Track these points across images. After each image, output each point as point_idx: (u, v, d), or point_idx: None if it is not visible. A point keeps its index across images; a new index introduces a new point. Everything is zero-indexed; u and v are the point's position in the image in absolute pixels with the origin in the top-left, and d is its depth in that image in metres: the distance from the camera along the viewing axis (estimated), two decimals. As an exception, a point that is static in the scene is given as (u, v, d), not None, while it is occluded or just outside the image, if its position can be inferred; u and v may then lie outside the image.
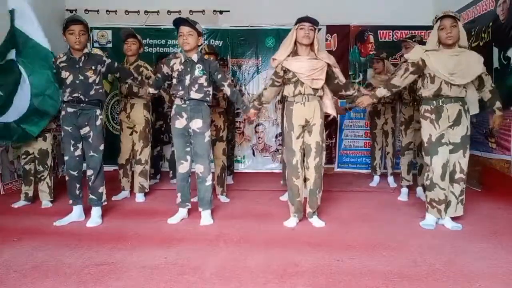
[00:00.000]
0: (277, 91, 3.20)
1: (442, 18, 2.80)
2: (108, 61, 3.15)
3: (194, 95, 3.02)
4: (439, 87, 2.86)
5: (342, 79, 3.09)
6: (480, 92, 2.96)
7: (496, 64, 4.22)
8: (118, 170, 3.97)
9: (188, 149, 3.14)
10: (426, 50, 2.87)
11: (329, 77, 3.00)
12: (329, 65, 2.97)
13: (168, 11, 5.69)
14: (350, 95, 3.16)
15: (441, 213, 2.94)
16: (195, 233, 2.86)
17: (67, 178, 3.10)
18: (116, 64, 3.20)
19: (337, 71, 3.06)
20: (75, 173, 3.06)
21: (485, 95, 2.96)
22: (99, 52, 3.14)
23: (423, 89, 2.95)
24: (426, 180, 2.98)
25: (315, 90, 2.95)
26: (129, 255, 2.42)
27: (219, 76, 3.08)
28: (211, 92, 3.11)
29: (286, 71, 2.96)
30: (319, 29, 2.94)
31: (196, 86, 3.02)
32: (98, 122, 3.04)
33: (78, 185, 3.09)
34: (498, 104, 2.93)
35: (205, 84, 3.05)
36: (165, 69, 3.14)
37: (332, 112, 3.12)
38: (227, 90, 3.12)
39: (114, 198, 3.83)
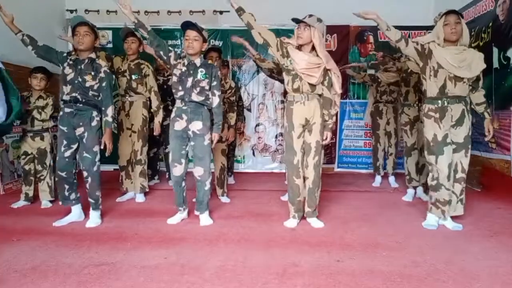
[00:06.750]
0: (264, 36, 2.92)
1: (447, 14, 2.84)
2: (102, 75, 3.02)
3: (195, 97, 3.03)
4: (444, 84, 2.86)
5: (337, 89, 3.04)
6: (474, 92, 2.99)
7: (496, 64, 4.22)
8: (120, 172, 3.96)
9: (184, 152, 3.11)
10: (432, 41, 2.90)
11: (327, 80, 2.99)
12: (328, 69, 2.96)
13: (168, 11, 5.70)
14: (327, 120, 3.03)
15: (445, 214, 2.94)
16: (195, 233, 2.86)
17: (56, 178, 3.09)
18: (105, 83, 3.03)
19: (335, 79, 3.01)
20: (63, 174, 3.02)
21: (479, 98, 3.00)
22: (103, 63, 3.09)
23: (426, 83, 2.94)
24: (432, 181, 2.96)
25: (313, 86, 2.95)
26: (129, 255, 2.42)
27: (215, 83, 3.09)
28: (211, 96, 3.11)
29: (286, 54, 2.94)
30: (316, 27, 2.90)
31: (198, 88, 3.03)
32: (94, 123, 3.02)
33: (67, 187, 3.06)
34: (488, 108, 3.05)
35: (207, 87, 3.06)
36: (173, 57, 3.08)
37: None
38: (215, 100, 3.10)
39: (118, 200, 3.83)
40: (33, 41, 3.00)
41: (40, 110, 3.68)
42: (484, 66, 2.90)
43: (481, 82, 2.98)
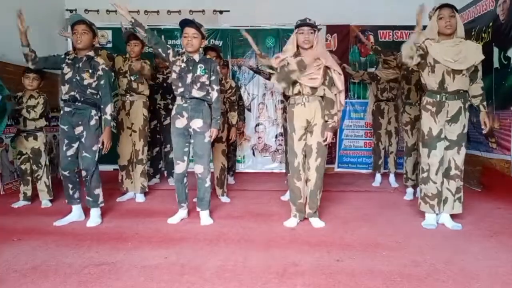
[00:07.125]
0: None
1: (441, 7, 2.83)
2: (100, 72, 3.01)
3: (195, 93, 3.04)
4: (442, 79, 2.85)
5: (339, 86, 2.99)
6: (472, 84, 2.94)
7: (496, 64, 4.23)
8: (120, 172, 3.94)
9: (186, 149, 3.14)
10: (427, 39, 2.87)
11: (328, 80, 2.98)
12: (328, 67, 2.96)
13: (168, 11, 5.70)
14: (327, 120, 2.96)
15: (434, 208, 2.95)
16: (195, 233, 2.86)
17: (61, 177, 3.12)
18: (103, 81, 3.02)
19: (335, 76, 2.98)
20: (66, 173, 3.05)
21: (476, 90, 2.95)
22: (101, 61, 3.09)
23: (425, 78, 2.93)
24: (423, 173, 2.97)
25: (314, 89, 2.94)
26: (129, 255, 2.42)
27: (214, 77, 3.10)
28: (210, 91, 3.11)
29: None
30: (319, 29, 2.92)
31: (198, 84, 3.04)
32: (93, 122, 3.02)
33: (71, 185, 3.07)
34: (485, 101, 2.99)
35: (207, 82, 3.07)
36: (171, 54, 3.08)
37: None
38: (213, 95, 3.11)
39: (118, 199, 3.83)
40: (35, 59, 2.96)
41: (29, 110, 3.66)
42: (483, 57, 2.86)
43: (479, 74, 2.95)
